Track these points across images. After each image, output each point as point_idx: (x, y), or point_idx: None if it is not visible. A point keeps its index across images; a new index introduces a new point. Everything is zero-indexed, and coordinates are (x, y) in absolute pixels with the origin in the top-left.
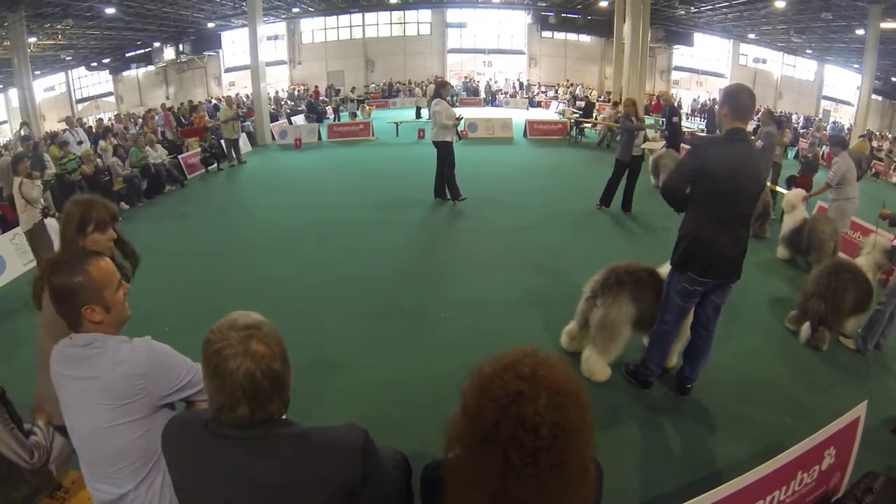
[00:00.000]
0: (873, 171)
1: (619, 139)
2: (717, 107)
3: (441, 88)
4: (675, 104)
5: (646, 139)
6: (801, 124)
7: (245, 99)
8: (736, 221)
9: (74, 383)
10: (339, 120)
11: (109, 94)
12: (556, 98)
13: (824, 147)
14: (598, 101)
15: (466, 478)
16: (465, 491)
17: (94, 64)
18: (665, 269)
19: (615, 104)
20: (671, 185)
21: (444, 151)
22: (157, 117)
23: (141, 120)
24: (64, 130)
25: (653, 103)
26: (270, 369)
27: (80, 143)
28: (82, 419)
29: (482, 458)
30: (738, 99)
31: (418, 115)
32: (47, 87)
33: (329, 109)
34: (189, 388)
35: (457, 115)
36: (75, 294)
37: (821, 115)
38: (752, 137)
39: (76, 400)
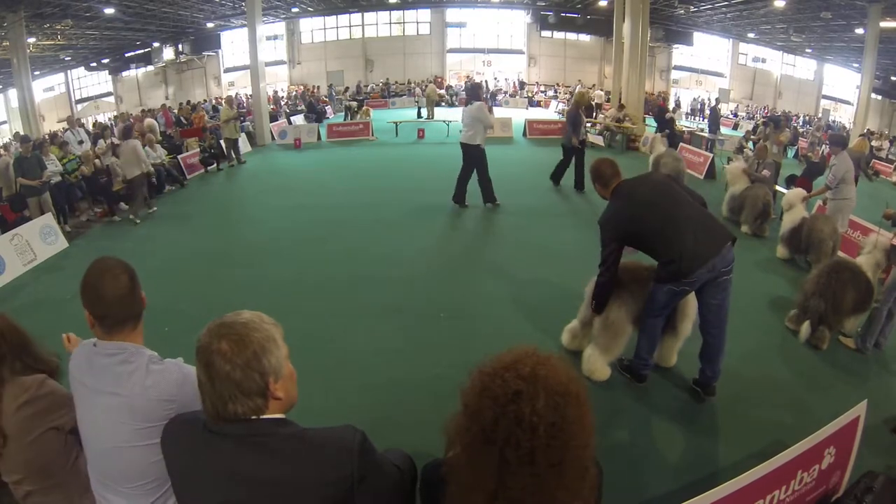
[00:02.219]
0: (873, 170)
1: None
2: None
3: (478, 90)
4: (662, 104)
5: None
6: (798, 121)
7: (244, 99)
8: (683, 211)
9: (95, 396)
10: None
11: (109, 94)
12: (555, 97)
13: (824, 146)
14: (603, 101)
15: (465, 477)
16: (464, 490)
17: (94, 64)
18: None
19: (621, 106)
20: (608, 273)
21: (478, 155)
22: (157, 117)
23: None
24: (65, 130)
25: (659, 103)
26: (222, 370)
27: (80, 142)
28: (100, 433)
29: (480, 457)
30: (600, 173)
31: (419, 115)
32: (47, 87)
33: (329, 109)
34: None
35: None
36: (139, 283)
37: (820, 115)
38: (753, 140)
39: (95, 413)
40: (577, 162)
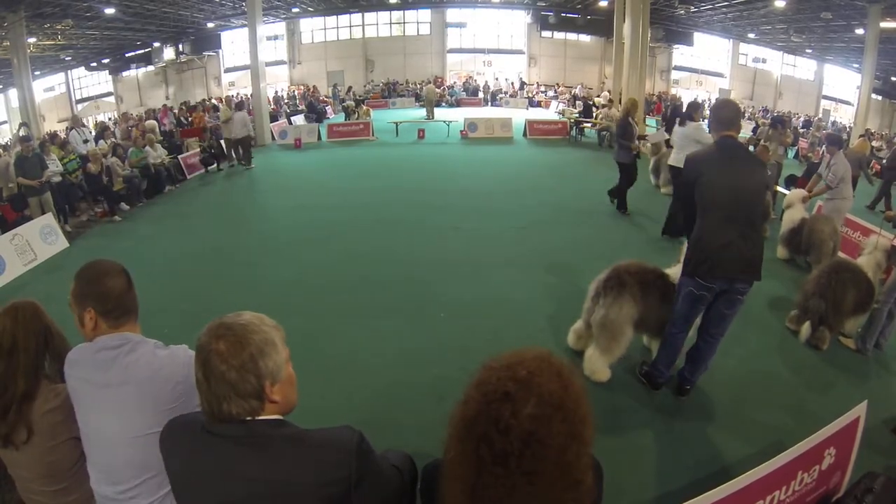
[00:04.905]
0: (873, 171)
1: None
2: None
3: (695, 110)
4: (678, 105)
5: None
6: (799, 121)
7: (243, 100)
8: (740, 220)
9: (104, 390)
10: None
11: (109, 94)
12: (556, 98)
13: (824, 147)
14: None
15: (450, 467)
16: (447, 480)
17: (94, 64)
18: (673, 271)
19: (609, 102)
20: (682, 199)
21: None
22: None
23: (126, 124)
24: (69, 129)
25: (655, 105)
26: (218, 370)
27: (86, 141)
28: (112, 427)
29: (461, 447)
30: (719, 114)
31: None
32: (47, 87)
33: (329, 109)
34: None
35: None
36: (132, 284)
37: (820, 115)
38: (753, 143)
39: (106, 407)
40: (623, 178)
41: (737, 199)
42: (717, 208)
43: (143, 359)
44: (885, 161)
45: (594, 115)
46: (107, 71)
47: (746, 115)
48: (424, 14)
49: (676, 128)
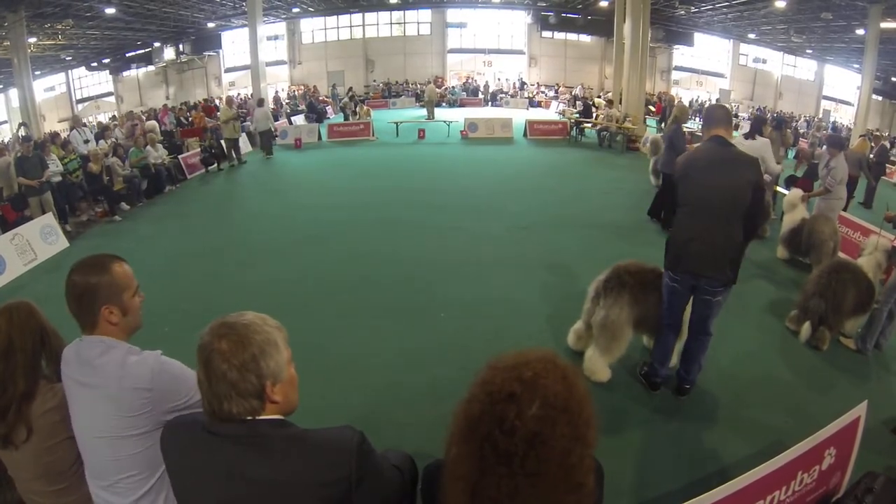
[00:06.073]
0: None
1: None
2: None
3: (762, 126)
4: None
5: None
6: (800, 122)
7: (242, 102)
8: (710, 217)
9: (81, 388)
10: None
11: (109, 94)
12: (556, 98)
13: (824, 147)
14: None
15: (452, 465)
16: (448, 478)
17: (95, 64)
18: None
19: (609, 102)
20: (670, 199)
21: (756, 198)
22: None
23: (131, 123)
24: (71, 129)
25: (656, 105)
26: (219, 369)
27: (86, 141)
28: (87, 425)
29: (464, 447)
30: (709, 113)
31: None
32: (47, 87)
33: (329, 109)
34: (199, 406)
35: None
36: (96, 293)
37: (821, 115)
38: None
39: (82, 405)
40: (663, 188)
41: (719, 196)
42: (689, 204)
43: (111, 364)
44: (871, 156)
45: (594, 115)
46: (107, 71)
47: (747, 115)
48: (425, 14)
49: (744, 141)
